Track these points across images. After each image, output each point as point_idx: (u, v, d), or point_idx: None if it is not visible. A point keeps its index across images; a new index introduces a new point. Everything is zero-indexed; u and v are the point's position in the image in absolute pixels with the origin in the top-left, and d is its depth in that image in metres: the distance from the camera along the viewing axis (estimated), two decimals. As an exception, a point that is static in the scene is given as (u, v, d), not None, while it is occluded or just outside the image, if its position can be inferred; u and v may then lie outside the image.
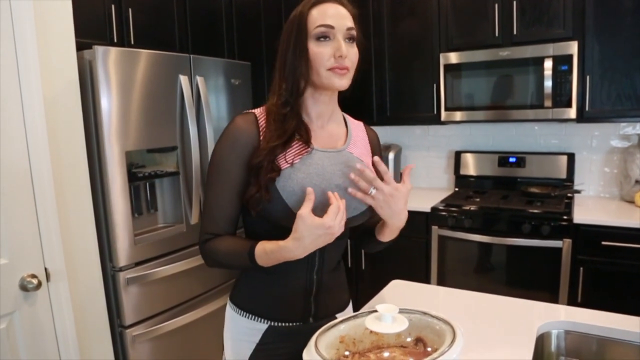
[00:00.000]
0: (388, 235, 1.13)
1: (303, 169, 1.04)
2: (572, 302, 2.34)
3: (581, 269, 2.31)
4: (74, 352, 1.80)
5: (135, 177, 2.09)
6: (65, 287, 1.76)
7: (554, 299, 2.37)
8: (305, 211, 0.93)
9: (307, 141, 1.06)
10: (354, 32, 1.07)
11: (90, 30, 2.23)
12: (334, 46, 1.03)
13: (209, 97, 2.35)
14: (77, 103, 1.84)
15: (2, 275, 1.56)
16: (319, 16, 1.04)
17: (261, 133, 1.06)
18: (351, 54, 1.06)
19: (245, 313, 1.13)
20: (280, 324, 1.11)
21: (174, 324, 2.19)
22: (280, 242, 0.96)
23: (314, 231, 0.92)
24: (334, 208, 0.94)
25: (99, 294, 1.95)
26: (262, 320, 1.11)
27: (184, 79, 2.20)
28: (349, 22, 1.06)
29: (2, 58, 1.55)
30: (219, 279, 2.43)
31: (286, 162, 1.03)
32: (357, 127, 1.21)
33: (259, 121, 1.08)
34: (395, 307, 0.85)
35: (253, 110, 1.11)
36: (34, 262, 1.65)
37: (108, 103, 1.93)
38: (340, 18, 1.05)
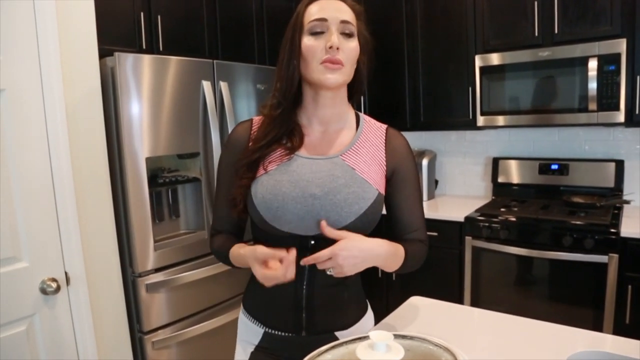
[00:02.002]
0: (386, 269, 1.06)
1: (276, 176, 1.02)
2: (619, 323, 2.14)
3: (629, 287, 2.11)
4: (92, 357, 1.81)
5: (156, 183, 2.09)
6: (85, 292, 1.78)
7: (599, 319, 2.18)
8: (261, 252, 0.94)
9: (292, 148, 1.04)
10: (350, 27, 1.02)
11: (120, 37, 2.26)
12: (326, 39, 1.00)
13: (233, 102, 2.34)
14: (99, 109, 1.86)
15: (22, 278, 1.59)
16: (313, 11, 1.02)
17: (251, 138, 1.08)
18: (346, 48, 1.01)
19: (247, 315, 1.16)
20: (274, 331, 1.10)
21: (194, 331, 2.17)
22: (247, 248, 1.00)
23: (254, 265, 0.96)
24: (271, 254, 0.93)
25: (119, 299, 1.96)
26: (259, 324, 1.12)
27: (206, 85, 2.19)
28: (345, 16, 1.02)
29: (25, 65, 1.59)
30: (240, 286, 2.38)
31: (263, 168, 1.03)
32: (375, 131, 1.12)
33: (253, 127, 1.11)
34: (389, 334, 0.76)
35: (254, 117, 1.13)
36: (54, 266, 1.68)
37: (130, 109, 1.94)
38: (334, 11, 1.01)
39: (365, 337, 0.79)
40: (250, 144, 1.07)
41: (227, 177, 1.10)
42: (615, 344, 1.12)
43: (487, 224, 2.49)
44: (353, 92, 1.12)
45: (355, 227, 1.00)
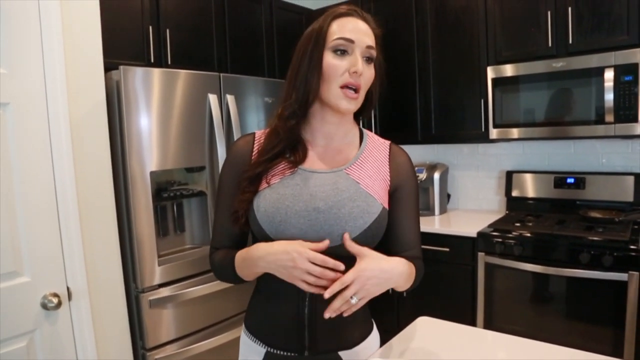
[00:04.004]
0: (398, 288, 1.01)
1: (279, 190, 1.00)
2: (641, 344, 2.04)
3: (651, 306, 2.01)
4: (94, 374, 1.78)
5: (161, 197, 2.07)
6: (87, 307, 1.76)
7: (619, 340, 2.08)
8: (303, 242, 0.91)
9: (295, 162, 1.02)
10: (373, 52, 1.01)
11: (128, 51, 2.27)
12: (350, 61, 0.98)
13: (240, 115, 2.32)
14: (103, 123, 1.86)
15: (23, 293, 1.57)
16: (338, 29, 1.00)
17: (254, 152, 1.07)
18: (367, 75, 1.00)
19: (249, 334, 1.12)
20: (276, 351, 1.06)
21: (199, 347, 2.13)
22: (256, 244, 0.98)
23: (284, 252, 0.90)
24: (322, 259, 0.88)
25: (122, 315, 1.93)
26: (261, 344, 1.09)
27: (212, 98, 2.18)
28: (370, 40, 1.01)
29: (30, 79, 1.59)
30: (246, 303, 2.35)
31: (266, 182, 1.01)
32: (378, 146, 1.12)
33: (256, 140, 1.09)
34: (385, 360, 0.71)
35: (257, 131, 1.12)
36: (56, 281, 1.66)
37: (135, 123, 1.94)
38: (361, 34, 1.00)
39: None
40: (253, 157, 1.05)
41: (228, 191, 1.07)
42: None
43: (500, 240, 2.41)
44: (360, 111, 1.10)
45: (360, 242, 0.98)
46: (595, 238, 2.18)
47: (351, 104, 1.00)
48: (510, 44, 2.57)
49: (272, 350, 1.07)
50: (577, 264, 2.18)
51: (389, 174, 1.08)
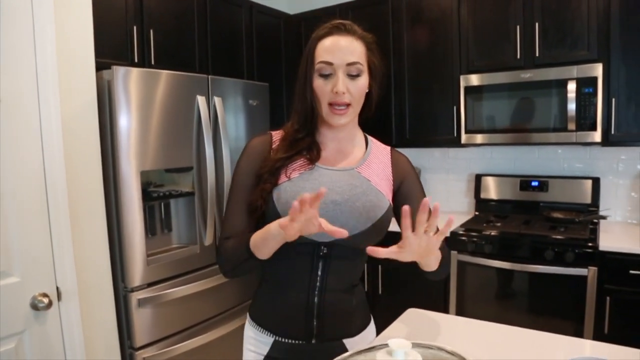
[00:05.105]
0: (426, 266, 1.10)
1: (299, 183, 1.08)
2: (598, 333, 2.23)
3: (608, 298, 2.20)
4: (83, 374, 1.77)
5: (150, 197, 2.08)
6: (76, 307, 1.75)
7: (579, 330, 2.26)
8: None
9: (312, 159, 1.11)
10: (357, 67, 1.08)
11: (112, 50, 2.26)
12: (333, 82, 1.07)
13: (226, 117, 2.36)
14: (94, 122, 1.85)
15: (13, 294, 1.55)
16: (322, 51, 1.08)
17: (272, 150, 1.15)
18: (353, 89, 1.08)
19: (256, 325, 1.17)
20: (284, 339, 1.13)
21: (187, 346, 2.15)
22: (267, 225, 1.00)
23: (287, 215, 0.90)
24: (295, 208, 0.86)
25: (110, 314, 1.93)
26: (269, 333, 1.14)
27: (201, 100, 2.21)
28: (352, 57, 1.07)
29: (22, 77, 1.58)
30: (233, 300, 2.39)
31: (285, 176, 1.09)
32: (381, 151, 1.23)
33: (273, 140, 1.18)
34: (408, 342, 0.80)
35: (272, 132, 1.20)
36: (45, 281, 1.64)
37: (125, 123, 1.94)
38: (342, 53, 1.07)
39: (384, 345, 0.82)
40: (271, 154, 1.13)
41: (244, 184, 1.14)
42: (605, 350, 1.18)
43: (471, 239, 2.56)
44: (364, 112, 1.19)
45: (371, 233, 1.08)
46: (558, 237, 2.35)
47: (341, 119, 1.09)
48: (482, 55, 2.73)
49: (280, 338, 1.13)
50: (542, 261, 2.35)
51: (392, 174, 1.20)
